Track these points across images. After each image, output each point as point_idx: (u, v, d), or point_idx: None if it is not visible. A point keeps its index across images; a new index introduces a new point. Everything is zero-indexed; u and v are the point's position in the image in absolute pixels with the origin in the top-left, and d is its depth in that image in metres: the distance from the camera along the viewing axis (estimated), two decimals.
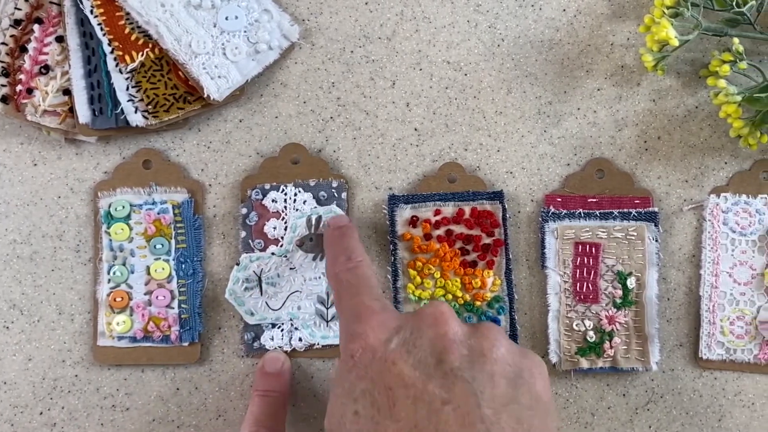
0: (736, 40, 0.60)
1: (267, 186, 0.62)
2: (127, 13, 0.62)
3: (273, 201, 0.62)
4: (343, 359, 0.49)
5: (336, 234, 0.57)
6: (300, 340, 0.62)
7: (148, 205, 0.62)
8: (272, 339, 0.61)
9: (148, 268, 0.62)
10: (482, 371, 0.46)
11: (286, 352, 0.62)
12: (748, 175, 0.63)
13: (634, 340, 0.62)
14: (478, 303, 0.62)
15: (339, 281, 0.53)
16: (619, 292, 0.62)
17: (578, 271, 0.62)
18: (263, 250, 0.62)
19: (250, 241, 0.62)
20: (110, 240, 0.62)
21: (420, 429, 0.44)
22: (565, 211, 0.63)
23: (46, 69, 0.62)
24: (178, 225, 0.62)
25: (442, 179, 0.63)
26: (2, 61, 0.62)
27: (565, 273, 0.62)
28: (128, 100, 0.61)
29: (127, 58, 0.62)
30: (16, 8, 0.62)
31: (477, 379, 0.46)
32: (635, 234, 0.62)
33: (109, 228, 0.62)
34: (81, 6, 0.61)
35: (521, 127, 0.64)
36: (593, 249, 0.62)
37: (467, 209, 0.62)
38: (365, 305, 0.50)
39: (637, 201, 0.63)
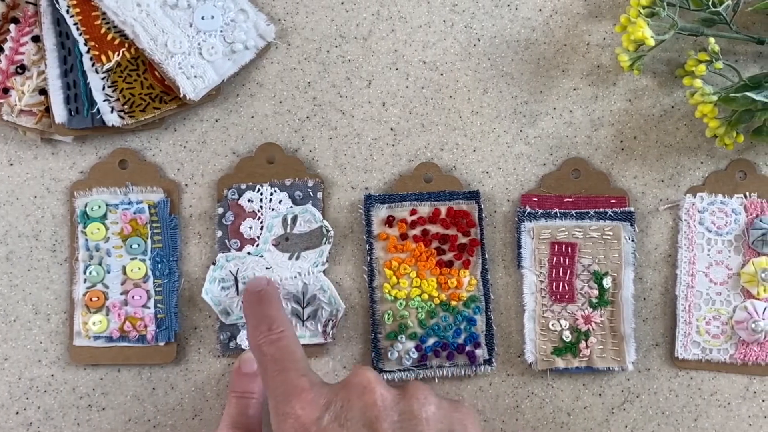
0: (712, 39, 0.59)
1: (243, 186, 0.61)
2: (104, 13, 0.61)
3: (249, 201, 0.61)
4: None
5: (254, 299, 0.56)
6: None
7: (124, 205, 0.61)
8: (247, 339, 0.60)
9: (124, 267, 0.61)
10: None
11: None
12: (724, 175, 0.62)
13: (610, 340, 0.61)
14: (454, 303, 0.61)
15: (263, 354, 0.52)
16: (595, 292, 0.61)
17: (554, 270, 0.61)
18: (239, 249, 0.61)
19: (226, 240, 0.61)
20: (86, 240, 0.61)
21: None
22: (541, 211, 0.61)
23: (22, 69, 0.61)
24: (155, 225, 0.61)
25: (418, 179, 0.62)
26: None
27: (541, 273, 0.61)
28: (104, 100, 0.60)
29: (103, 57, 0.60)
30: None
31: None
32: (611, 234, 0.61)
33: (85, 228, 0.61)
34: (57, 6, 0.60)
35: (497, 127, 0.62)
36: (569, 249, 0.61)
37: (443, 209, 0.61)
38: (292, 383, 0.49)
39: (613, 201, 0.62)
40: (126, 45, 0.61)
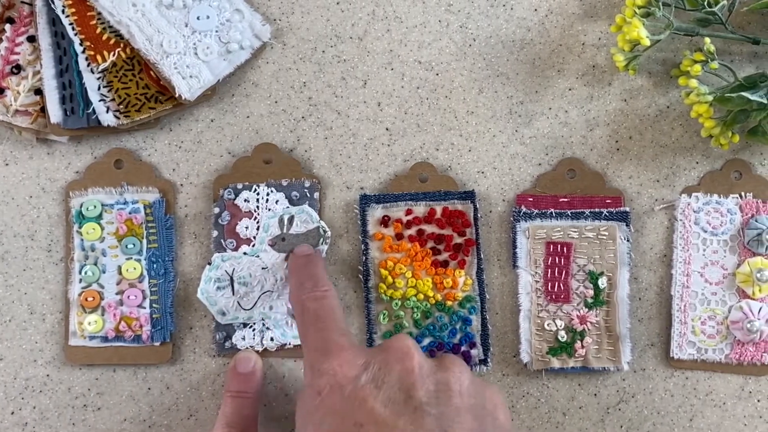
0: (707, 39, 0.59)
1: (239, 186, 0.61)
2: (99, 13, 0.60)
3: (245, 201, 0.61)
4: (309, 394, 0.48)
5: (302, 261, 0.56)
6: (272, 339, 0.60)
7: (119, 205, 0.61)
8: (244, 339, 0.60)
9: (119, 267, 0.60)
10: (449, 406, 0.46)
11: (257, 351, 0.60)
12: (720, 175, 0.62)
13: (606, 340, 0.60)
14: (449, 303, 0.60)
15: (305, 309, 0.52)
16: (591, 292, 0.60)
17: (550, 270, 0.61)
18: (235, 249, 0.60)
19: (222, 240, 0.60)
20: (82, 240, 0.60)
21: None
22: (536, 211, 0.61)
23: (17, 69, 0.61)
24: (150, 225, 0.61)
25: (414, 179, 0.62)
26: None
27: (536, 273, 0.61)
28: (100, 100, 0.60)
29: (98, 57, 0.60)
30: None
31: (444, 415, 0.45)
32: (607, 234, 0.61)
33: (80, 228, 0.60)
34: (52, 6, 0.60)
35: (493, 127, 0.62)
36: (565, 249, 0.61)
37: (439, 209, 0.61)
38: (332, 340, 0.49)
39: (609, 201, 0.61)
40: (121, 45, 0.60)
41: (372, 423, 0.45)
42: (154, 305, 0.60)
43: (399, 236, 0.61)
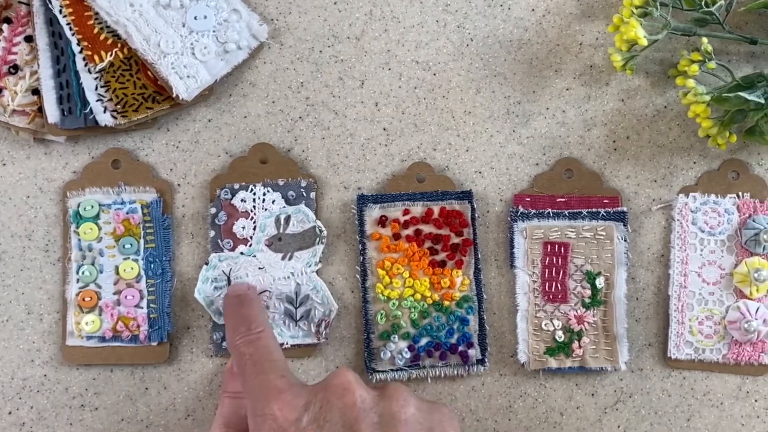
0: (705, 39, 0.59)
1: (236, 186, 0.61)
2: (96, 13, 0.60)
3: (242, 201, 0.60)
4: None
5: (234, 302, 0.56)
6: None
7: (116, 205, 0.61)
8: None
9: (117, 267, 0.60)
10: None
11: None
12: (717, 175, 0.61)
13: (603, 340, 0.60)
14: (446, 303, 0.60)
15: (241, 354, 0.52)
16: (588, 292, 0.60)
17: (547, 270, 0.61)
18: (232, 249, 0.60)
19: (219, 240, 0.60)
20: (79, 240, 0.60)
21: None
22: (533, 211, 0.61)
23: (14, 69, 0.61)
24: (147, 225, 0.61)
25: (411, 179, 0.61)
26: None
27: (533, 273, 0.61)
28: (97, 100, 0.60)
29: (96, 57, 0.60)
30: None
31: None
32: (604, 234, 0.61)
33: (77, 228, 0.60)
34: (50, 6, 0.60)
35: (490, 127, 0.62)
36: (562, 249, 0.61)
37: (436, 209, 0.61)
38: (270, 383, 0.49)
39: (606, 201, 0.61)
40: (119, 45, 0.60)
41: None
42: (151, 305, 0.60)
43: (396, 236, 0.61)
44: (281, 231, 0.60)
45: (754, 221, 0.60)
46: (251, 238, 0.60)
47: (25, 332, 0.61)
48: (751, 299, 0.60)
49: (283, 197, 0.60)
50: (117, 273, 0.60)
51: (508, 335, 0.61)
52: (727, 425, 0.60)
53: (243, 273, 0.59)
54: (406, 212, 0.61)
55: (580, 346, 0.60)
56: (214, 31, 0.61)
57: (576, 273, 0.61)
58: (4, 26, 0.61)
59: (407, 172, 0.61)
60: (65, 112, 0.60)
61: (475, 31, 0.62)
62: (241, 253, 0.60)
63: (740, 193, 0.61)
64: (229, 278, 0.59)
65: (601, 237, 0.61)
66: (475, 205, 0.61)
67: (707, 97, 0.58)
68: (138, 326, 0.60)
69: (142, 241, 0.60)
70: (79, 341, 0.60)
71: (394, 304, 0.60)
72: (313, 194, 0.61)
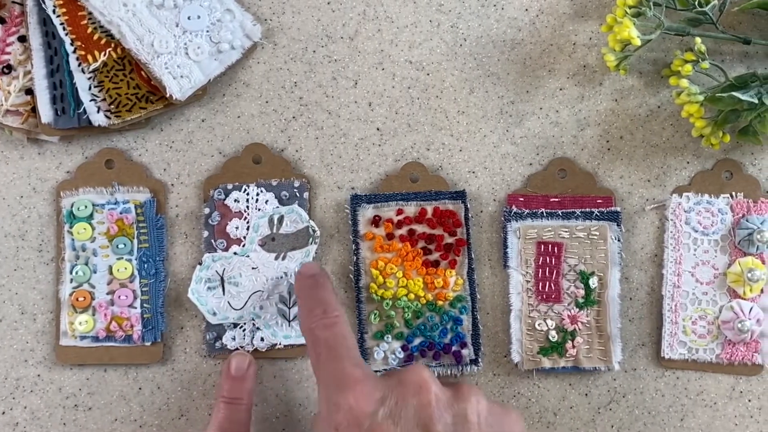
0: (698, 39, 0.58)
1: (229, 186, 0.60)
2: (90, 13, 0.60)
3: (235, 201, 0.60)
4: (325, 429, 0.47)
5: (309, 283, 0.54)
6: (262, 340, 0.60)
7: (110, 205, 0.60)
8: (234, 339, 0.60)
9: (110, 267, 0.60)
10: None
11: (248, 352, 0.59)
12: (711, 175, 0.61)
13: (597, 340, 0.60)
14: (440, 302, 0.60)
15: (316, 339, 0.51)
16: (582, 292, 0.60)
17: (540, 270, 0.60)
18: (225, 249, 0.60)
19: (212, 240, 0.60)
20: (73, 239, 0.60)
21: None
22: (527, 211, 0.61)
23: (8, 69, 0.60)
24: (141, 225, 0.60)
25: (405, 179, 0.61)
26: None
27: (527, 272, 0.60)
28: (91, 100, 0.59)
29: (89, 57, 0.60)
30: None
31: None
32: (597, 233, 0.60)
33: (71, 227, 0.60)
34: (43, 6, 0.59)
35: (483, 127, 0.62)
36: (555, 248, 0.60)
37: (429, 209, 0.60)
38: (347, 372, 0.48)
39: (600, 200, 0.61)
40: (112, 45, 0.60)
41: None
42: (144, 305, 0.60)
43: (390, 236, 0.60)
44: (274, 231, 0.59)
45: (747, 221, 0.60)
46: (244, 238, 0.60)
47: (18, 332, 0.60)
48: (744, 299, 0.59)
49: (276, 197, 0.60)
50: (110, 273, 0.60)
51: (502, 335, 0.61)
52: (720, 425, 0.60)
53: (236, 273, 0.59)
54: (399, 212, 0.60)
55: (573, 346, 0.60)
56: (207, 31, 0.61)
57: (569, 273, 0.60)
58: None
59: (401, 172, 0.61)
60: (59, 112, 0.60)
61: (468, 31, 0.62)
62: (235, 253, 0.59)
63: (734, 193, 0.61)
64: (222, 278, 0.59)
65: (595, 237, 0.60)
66: (468, 205, 0.60)
67: (701, 97, 0.57)
68: (131, 326, 0.59)
69: (135, 241, 0.60)
70: (73, 341, 0.59)
71: (387, 304, 0.60)
72: (306, 194, 0.60)
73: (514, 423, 0.48)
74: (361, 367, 0.49)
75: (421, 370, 0.48)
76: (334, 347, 0.50)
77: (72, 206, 0.60)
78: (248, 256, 0.59)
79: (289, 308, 0.59)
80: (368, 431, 0.45)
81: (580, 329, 0.60)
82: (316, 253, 0.60)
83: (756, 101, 0.57)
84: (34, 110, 0.60)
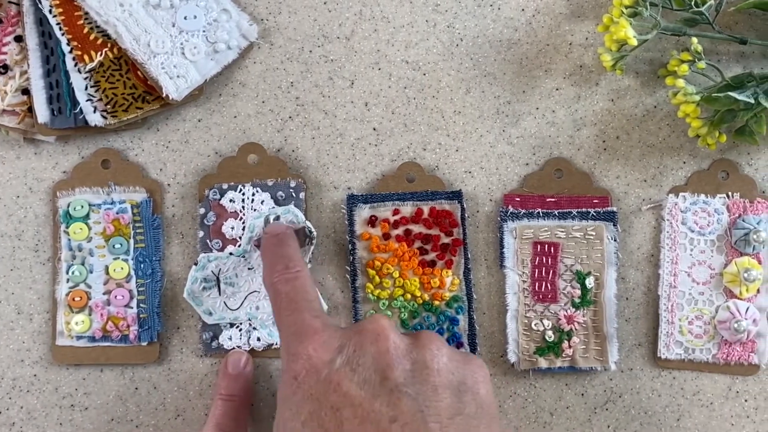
0: (694, 39, 0.58)
1: (224, 186, 0.60)
2: (86, 13, 0.59)
3: (231, 201, 0.60)
4: (286, 380, 0.47)
5: (273, 241, 0.54)
6: (258, 339, 0.59)
7: (106, 205, 0.60)
8: (230, 339, 0.59)
9: (106, 267, 0.60)
10: (426, 384, 0.45)
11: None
12: (707, 175, 0.61)
13: (593, 340, 0.59)
14: (436, 302, 0.60)
15: (277, 292, 0.51)
16: (578, 292, 0.60)
17: (537, 270, 0.60)
18: (221, 249, 0.59)
19: (208, 241, 0.60)
20: (69, 239, 0.60)
21: None
22: (523, 211, 0.60)
23: (4, 68, 0.60)
24: (137, 224, 0.60)
25: (401, 179, 0.61)
26: None
27: (523, 272, 0.60)
28: (87, 100, 0.59)
29: (85, 57, 0.59)
30: None
31: (422, 394, 0.44)
32: (594, 233, 0.60)
33: (67, 227, 0.60)
34: (40, 6, 0.59)
35: (480, 127, 0.61)
36: (552, 248, 0.60)
37: (426, 209, 0.60)
38: (305, 323, 0.48)
39: (596, 200, 0.60)
40: (109, 45, 0.60)
41: (348, 406, 0.44)
42: (141, 305, 0.59)
43: (386, 236, 0.60)
44: None
45: (743, 221, 0.59)
46: (240, 238, 0.59)
47: (15, 332, 0.60)
48: (740, 299, 0.59)
49: (272, 197, 0.60)
50: (107, 273, 0.60)
51: (498, 335, 0.60)
52: (716, 425, 0.60)
53: (232, 273, 0.59)
54: (396, 212, 0.60)
55: (569, 346, 0.59)
56: (203, 31, 0.60)
57: (566, 273, 0.60)
58: None
59: (397, 172, 0.61)
60: (55, 112, 0.59)
61: (464, 31, 0.62)
62: (230, 254, 0.59)
63: (730, 193, 0.60)
64: (218, 278, 0.59)
65: (591, 237, 0.60)
66: (464, 205, 0.60)
67: (697, 97, 0.57)
68: (128, 326, 0.59)
69: (132, 241, 0.60)
70: (69, 341, 0.59)
71: (384, 304, 0.59)
72: (302, 194, 0.60)
73: (476, 369, 0.48)
74: (321, 318, 0.49)
75: (379, 319, 0.47)
76: (295, 299, 0.50)
77: (68, 206, 0.60)
78: (244, 257, 0.59)
79: None
80: (326, 379, 0.45)
81: (576, 329, 0.59)
82: (312, 253, 0.59)
83: (752, 101, 0.56)
84: (30, 110, 0.60)
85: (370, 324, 0.47)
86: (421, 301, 0.60)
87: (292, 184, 0.60)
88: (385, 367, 0.45)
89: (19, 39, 0.60)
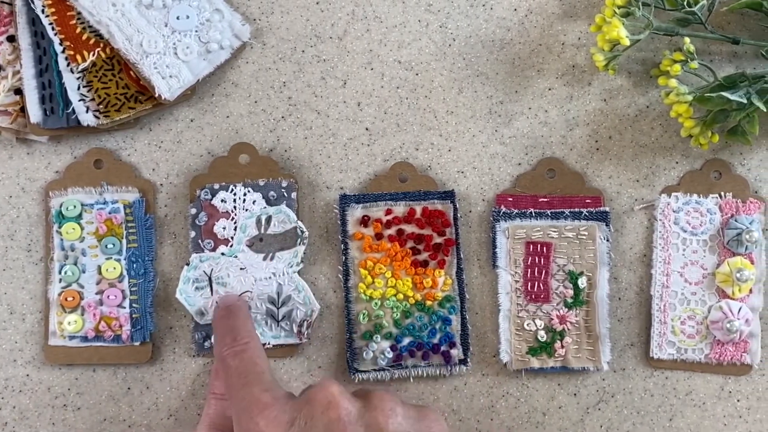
0: (687, 39, 0.57)
1: (216, 186, 0.59)
2: (79, 13, 0.59)
3: (222, 201, 0.59)
4: None
5: (222, 314, 0.55)
6: None
7: (99, 205, 0.59)
8: None
9: (99, 267, 0.59)
10: None
11: None
12: (699, 175, 0.60)
13: (585, 340, 0.59)
14: (429, 302, 0.59)
15: (227, 366, 0.51)
16: (570, 292, 0.59)
17: (529, 270, 0.60)
18: (213, 250, 0.59)
19: (199, 241, 0.59)
20: (61, 239, 0.59)
21: None
22: (516, 211, 0.60)
23: None
24: (130, 224, 0.60)
25: (394, 179, 0.60)
26: None
27: (516, 272, 0.60)
28: (79, 100, 0.59)
29: (78, 57, 0.59)
30: None
31: None
32: (586, 233, 0.59)
33: (60, 227, 0.59)
34: (32, 5, 0.59)
35: (472, 127, 0.61)
36: (544, 248, 0.60)
37: (418, 209, 0.60)
38: (255, 398, 0.48)
39: (588, 200, 0.60)
40: (101, 45, 0.59)
41: None
42: (133, 305, 0.59)
43: (379, 236, 0.59)
44: (262, 231, 0.59)
45: (736, 221, 0.59)
46: (232, 238, 0.59)
47: (7, 332, 0.59)
48: (733, 299, 0.59)
49: (263, 197, 0.59)
50: (99, 273, 0.59)
51: (491, 335, 0.60)
52: (709, 425, 0.59)
53: (224, 273, 0.58)
54: (388, 212, 0.60)
55: (562, 346, 0.59)
56: (196, 31, 0.60)
57: (558, 273, 0.59)
58: None
59: (389, 172, 0.60)
60: (48, 112, 0.59)
61: (457, 30, 0.61)
62: (222, 254, 0.59)
63: (722, 193, 0.60)
64: (210, 278, 0.58)
65: (584, 237, 0.59)
66: (457, 205, 0.60)
67: (689, 97, 0.57)
68: (120, 326, 0.59)
69: (124, 240, 0.59)
70: (62, 341, 0.59)
71: (376, 303, 0.59)
72: (294, 194, 0.60)
73: (432, 423, 0.47)
74: (271, 391, 0.48)
75: (329, 386, 0.47)
76: (243, 373, 0.50)
77: (61, 206, 0.59)
78: (236, 257, 0.58)
79: (278, 308, 0.59)
80: None
81: (568, 329, 0.59)
82: (304, 253, 0.59)
83: (745, 101, 0.56)
84: (23, 110, 0.59)
85: (319, 393, 0.47)
86: (413, 301, 0.59)
87: (284, 184, 0.59)
88: None
89: (11, 39, 0.60)
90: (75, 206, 0.59)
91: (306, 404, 0.47)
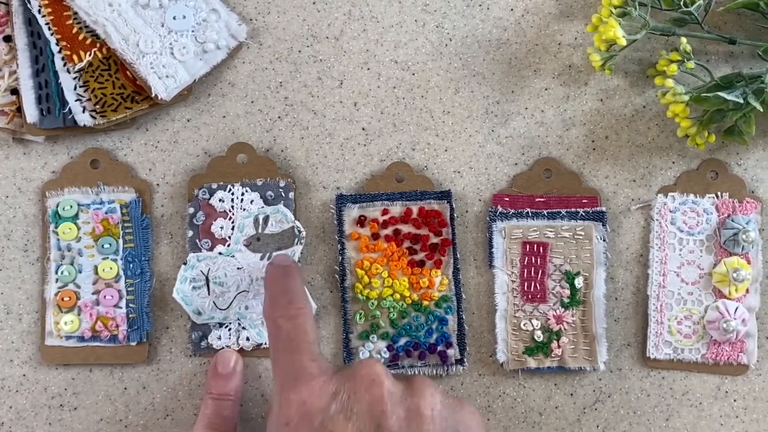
0: (683, 39, 0.57)
1: (214, 185, 0.59)
2: (75, 13, 0.59)
3: (220, 200, 0.59)
4: (277, 423, 0.46)
5: (278, 273, 0.52)
6: (247, 339, 0.59)
7: (95, 205, 0.59)
8: (220, 338, 0.59)
9: (95, 267, 0.59)
10: None
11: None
12: (696, 175, 0.60)
13: (582, 340, 0.59)
14: (425, 302, 0.59)
15: (277, 328, 0.50)
16: (567, 292, 0.59)
17: (526, 270, 0.59)
18: (210, 249, 0.59)
19: (197, 240, 0.59)
20: (58, 239, 0.59)
21: None
22: (512, 211, 0.60)
23: None
24: (126, 224, 0.59)
25: (390, 179, 0.60)
26: None
27: (512, 272, 0.59)
28: (76, 100, 0.58)
29: (74, 57, 0.59)
30: None
31: None
32: (583, 233, 0.59)
33: (56, 227, 0.59)
34: (29, 6, 0.58)
35: (469, 127, 0.61)
36: (541, 248, 0.59)
37: (415, 209, 0.59)
38: (303, 367, 0.47)
39: (585, 200, 0.60)
40: (98, 45, 0.59)
41: None
42: (130, 305, 0.59)
43: (375, 236, 0.59)
44: (260, 231, 0.58)
45: (732, 221, 0.59)
46: (229, 238, 0.59)
47: (3, 332, 0.59)
48: (729, 299, 0.59)
49: (261, 197, 0.59)
50: (96, 273, 0.59)
51: (487, 335, 0.60)
52: (705, 425, 0.59)
53: (221, 273, 0.58)
54: (385, 212, 0.59)
55: (559, 346, 0.59)
56: (193, 31, 0.60)
57: (555, 273, 0.59)
58: None
59: (386, 172, 0.60)
60: (44, 112, 0.59)
61: (453, 30, 0.61)
62: (220, 253, 0.58)
63: (719, 193, 0.60)
64: (207, 278, 0.58)
65: (580, 237, 0.59)
66: (453, 205, 0.59)
67: (686, 97, 0.56)
68: (117, 326, 0.58)
69: (121, 240, 0.59)
70: (58, 341, 0.59)
71: (373, 303, 0.59)
72: (291, 194, 0.59)
73: (469, 416, 0.47)
74: (318, 362, 0.48)
75: (373, 364, 0.47)
76: (295, 339, 0.49)
77: (57, 206, 0.59)
78: (233, 256, 0.58)
79: None
80: (320, 427, 0.44)
81: (565, 329, 0.59)
82: (301, 253, 0.59)
83: (741, 101, 0.56)
84: (19, 110, 0.59)
85: (364, 369, 0.46)
86: (410, 301, 0.59)
87: (282, 183, 0.59)
88: (379, 414, 0.44)
89: (8, 39, 0.59)
90: (71, 206, 0.59)
91: (350, 379, 0.46)
